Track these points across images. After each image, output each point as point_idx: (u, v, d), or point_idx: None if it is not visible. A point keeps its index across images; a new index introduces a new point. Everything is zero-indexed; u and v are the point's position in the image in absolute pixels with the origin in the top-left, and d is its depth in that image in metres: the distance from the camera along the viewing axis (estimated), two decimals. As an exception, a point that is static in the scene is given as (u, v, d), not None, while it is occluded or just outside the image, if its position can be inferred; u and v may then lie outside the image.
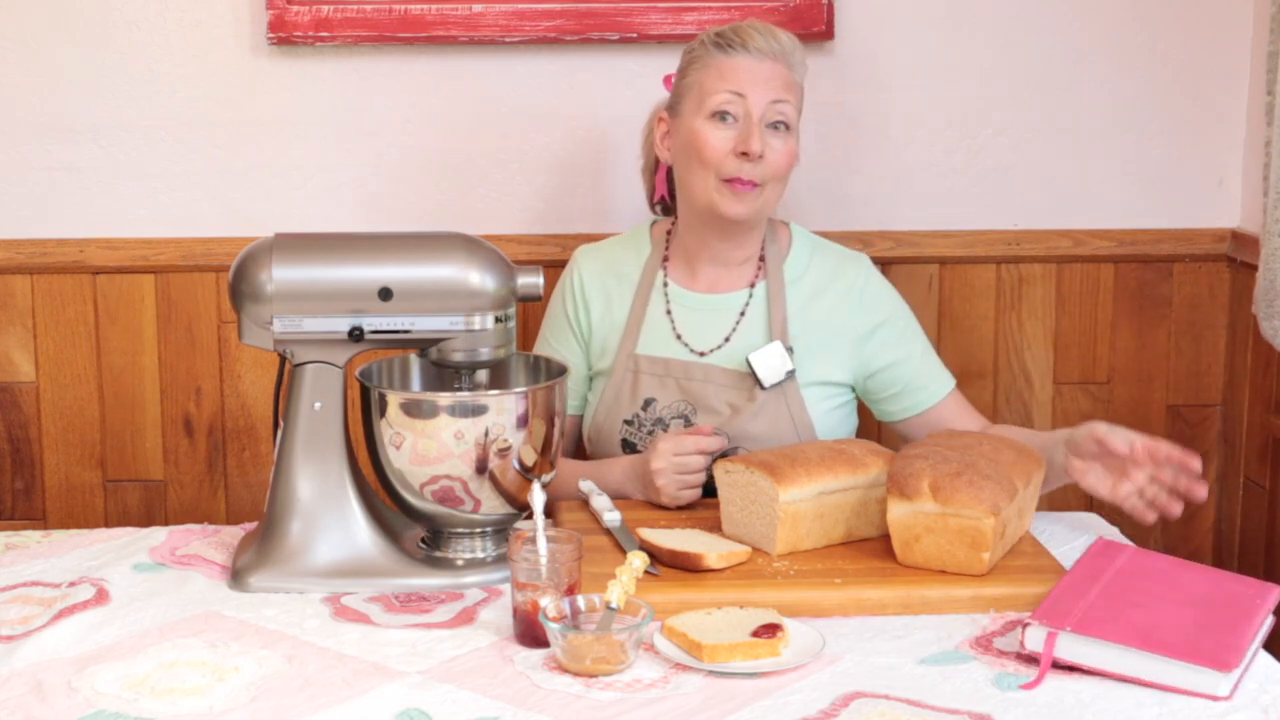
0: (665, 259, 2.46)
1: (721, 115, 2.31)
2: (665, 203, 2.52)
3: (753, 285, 2.42)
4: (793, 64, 2.34)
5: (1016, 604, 1.93)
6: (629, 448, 2.39)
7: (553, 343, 2.49)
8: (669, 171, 2.45)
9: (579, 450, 2.52)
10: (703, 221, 2.38)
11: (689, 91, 2.36)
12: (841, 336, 2.40)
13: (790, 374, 2.35)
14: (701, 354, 2.40)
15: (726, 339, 2.40)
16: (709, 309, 2.42)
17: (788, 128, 2.33)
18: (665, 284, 2.44)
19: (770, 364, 2.34)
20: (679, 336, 2.41)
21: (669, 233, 2.48)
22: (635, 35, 2.74)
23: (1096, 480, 2.16)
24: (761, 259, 2.43)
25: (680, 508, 2.24)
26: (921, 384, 2.43)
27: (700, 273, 2.43)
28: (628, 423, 2.40)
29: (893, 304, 2.46)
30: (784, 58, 2.33)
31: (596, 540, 2.08)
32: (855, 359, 2.41)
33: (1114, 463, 2.13)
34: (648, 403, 2.39)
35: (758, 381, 2.34)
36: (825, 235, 2.56)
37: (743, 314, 2.41)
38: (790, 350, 2.35)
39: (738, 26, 2.35)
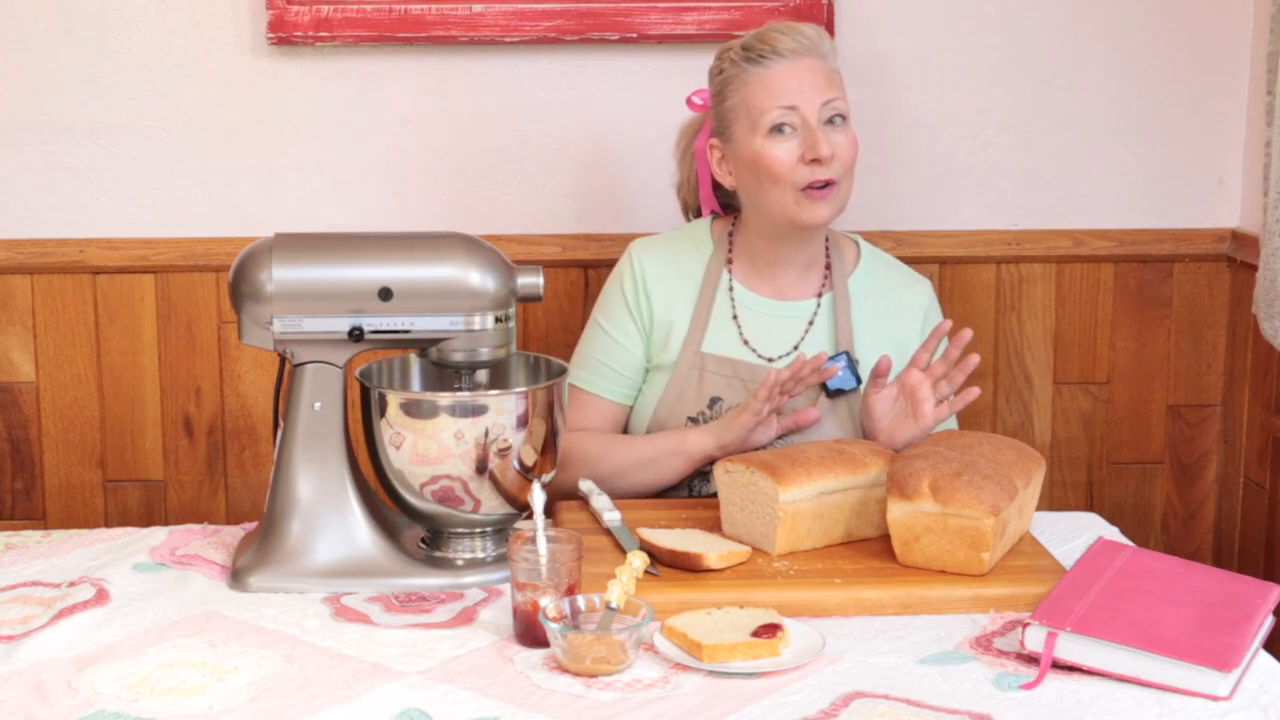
0: (729, 260, 2.44)
1: (779, 128, 2.29)
2: (716, 214, 2.49)
3: (820, 295, 2.41)
4: (825, 53, 2.32)
5: (1016, 604, 1.93)
6: None
7: (611, 331, 2.43)
8: (715, 184, 2.43)
9: None
10: (780, 232, 2.36)
11: (736, 114, 2.33)
12: (899, 354, 2.38)
13: (857, 386, 2.34)
14: (770, 360, 2.38)
15: (795, 347, 2.38)
16: (777, 316, 2.40)
17: (844, 118, 2.32)
18: (731, 287, 2.42)
19: (838, 375, 2.33)
20: (746, 342, 2.39)
21: (730, 233, 2.45)
22: (635, 35, 2.74)
23: (905, 427, 2.26)
24: (828, 268, 2.42)
25: (682, 504, 2.24)
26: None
27: (767, 277, 2.41)
28: (692, 420, 2.36)
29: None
30: (815, 50, 2.31)
31: (596, 540, 2.08)
32: None
33: (901, 407, 2.27)
34: (714, 401, 2.35)
35: (824, 390, 2.34)
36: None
37: (811, 323, 2.40)
38: (857, 363, 2.35)
39: (760, 34, 2.32)
